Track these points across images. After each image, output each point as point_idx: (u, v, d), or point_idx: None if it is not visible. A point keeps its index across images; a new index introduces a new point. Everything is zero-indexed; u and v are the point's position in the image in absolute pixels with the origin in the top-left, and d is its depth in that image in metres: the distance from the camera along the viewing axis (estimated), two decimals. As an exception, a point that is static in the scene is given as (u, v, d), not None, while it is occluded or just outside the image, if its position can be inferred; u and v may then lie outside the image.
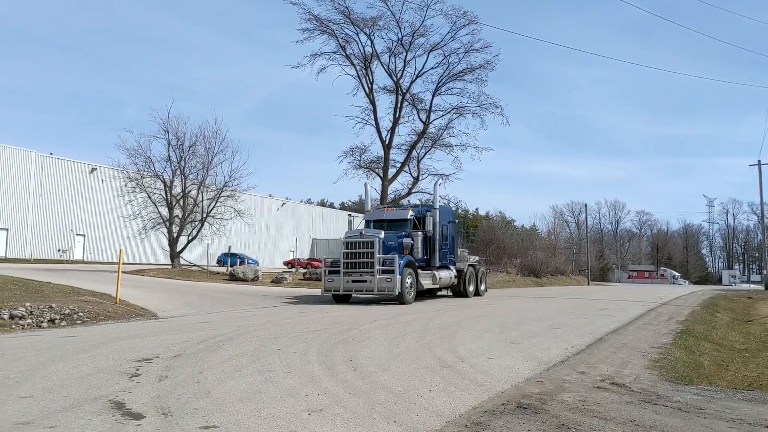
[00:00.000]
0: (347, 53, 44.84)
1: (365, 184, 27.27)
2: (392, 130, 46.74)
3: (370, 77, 45.92)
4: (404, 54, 45.56)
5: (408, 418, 6.24)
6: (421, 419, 6.23)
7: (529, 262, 69.39)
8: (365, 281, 21.54)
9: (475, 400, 7.04)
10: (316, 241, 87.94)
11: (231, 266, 40.42)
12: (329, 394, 7.22)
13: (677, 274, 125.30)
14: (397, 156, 48.23)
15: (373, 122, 46.29)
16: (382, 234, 21.98)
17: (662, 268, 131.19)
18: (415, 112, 47.70)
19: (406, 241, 22.89)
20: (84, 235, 62.45)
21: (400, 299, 21.62)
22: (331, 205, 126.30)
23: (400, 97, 46.55)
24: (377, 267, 21.43)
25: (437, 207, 25.27)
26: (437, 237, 24.67)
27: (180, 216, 40.67)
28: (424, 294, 26.83)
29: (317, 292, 29.59)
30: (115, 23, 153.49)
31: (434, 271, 24.41)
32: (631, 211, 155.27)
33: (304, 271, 42.94)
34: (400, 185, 50.09)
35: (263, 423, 5.97)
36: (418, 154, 47.97)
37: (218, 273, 39.00)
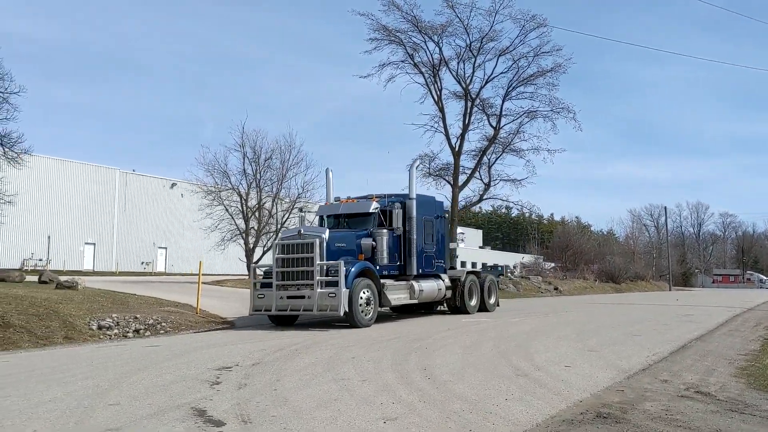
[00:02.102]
0: (415, 61, 44.87)
1: (326, 170, 20.46)
2: (462, 136, 46.44)
3: (439, 84, 45.80)
4: (473, 59, 45.25)
5: (484, 428, 6.18)
6: (497, 428, 6.15)
7: (606, 268, 67.64)
8: (303, 297, 15.67)
9: (552, 409, 6.91)
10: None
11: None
12: (404, 402, 7.22)
13: (765, 277, 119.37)
14: (467, 162, 47.85)
15: (443, 129, 46.10)
16: (326, 233, 16.11)
17: (748, 271, 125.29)
18: (485, 117, 47.21)
19: (365, 242, 17.02)
20: (166, 248, 64.73)
21: (350, 321, 15.78)
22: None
23: (469, 103, 46.23)
24: (317, 278, 15.50)
25: (414, 197, 18.53)
26: (414, 237, 18.22)
27: (255, 227, 41.60)
28: (405, 310, 20.95)
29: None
30: (194, 46, 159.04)
31: (412, 282, 18.18)
32: (714, 213, 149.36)
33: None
34: (471, 192, 49.61)
35: (340, 431, 6.03)
36: (489, 159, 47.44)
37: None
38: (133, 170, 63.19)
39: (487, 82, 46.17)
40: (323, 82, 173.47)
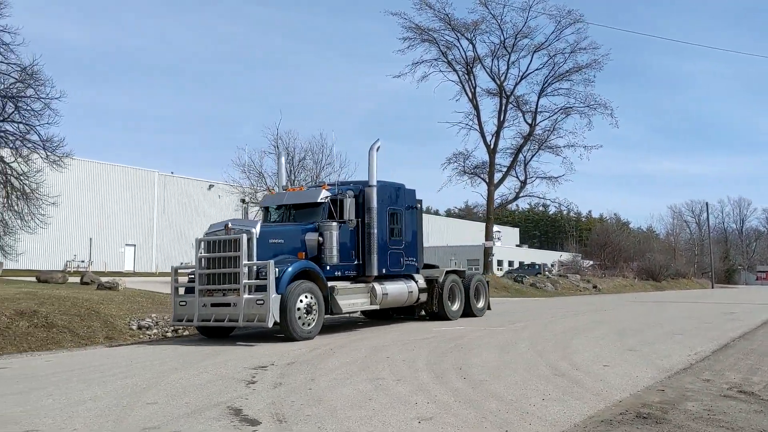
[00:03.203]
0: (449, 59, 44.86)
1: (278, 156, 16.51)
2: (497, 133, 46.25)
3: (473, 82, 45.68)
4: (507, 56, 45.07)
5: (521, 428, 6.09)
6: (534, 428, 6.06)
7: (646, 266, 66.56)
8: (228, 305, 12.94)
9: (591, 410, 6.78)
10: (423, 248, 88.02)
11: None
12: (439, 402, 7.17)
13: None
14: (502, 160, 47.63)
15: (477, 127, 45.96)
16: (257, 227, 13.32)
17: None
18: (520, 114, 46.99)
19: (310, 237, 14.18)
20: (204, 249, 65.59)
21: (284, 332, 13.02)
22: (437, 213, 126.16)
23: (504, 100, 46.02)
24: (244, 281, 12.75)
25: (374, 184, 15.34)
26: (374, 230, 15.12)
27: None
28: (378, 315, 17.91)
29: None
30: (231, 49, 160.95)
31: (373, 284, 15.26)
32: (757, 209, 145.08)
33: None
34: (507, 190, 49.35)
35: (374, 430, 6.01)
36: (525, 157, 47.17)
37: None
38: (172, 172, 64.18)
39: (522, 79, 45.93)
40: (357, 82, 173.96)
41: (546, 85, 45.67)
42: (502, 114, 46.09)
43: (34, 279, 23.61)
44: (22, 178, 28.21)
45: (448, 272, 17.97)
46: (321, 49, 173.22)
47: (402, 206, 16.68)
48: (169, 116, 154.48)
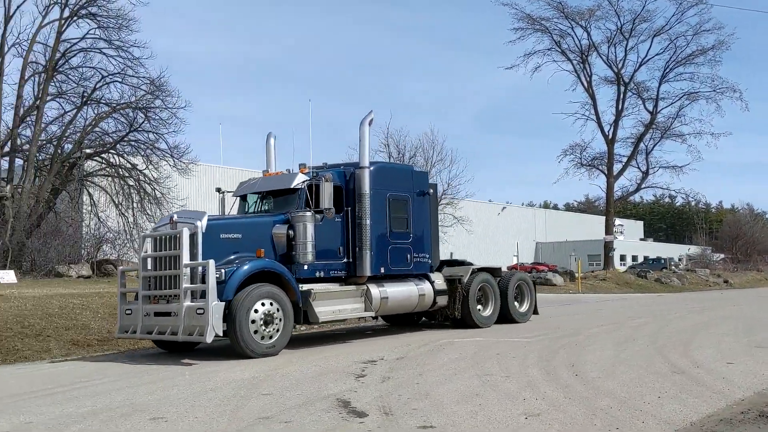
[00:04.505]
0: (562, 48, 43.76)
1: (267, 136, 14.66)
2: (615, 123, 44.61)
3: (588, 70, 44.30)
4: (625, 42, 43.38)
5: (632, 426, 5.89)
6: (647, 427, 5.85)
7: (784, 259, 61.83)
8: (169, 314, 10.74)
9: (709, 408, 6.44)
10: (540, 244, 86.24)
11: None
12: (548, 399, 7.05)
13: None
14: (622, 150, 45.92)
15: (594, 117, 44.51)
16: (204, 219, 10.93)
17: None
18: (640, 102, 45.12)
19: (278, 231, 11.74)
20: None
21: (235, 347, 10.61)
22: (555, 207, 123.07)
23: (622, 88, 44.31)
24: (184, 285, 10.49)
25: (366, 165, 12.78)
26: (367, 222, 12.55)
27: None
28: (401, 321, 15.58)
29: (546, 297, 28.88)
30: (342, 51, 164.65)
31: (367, 286, 12.67)
32: None
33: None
34: (628, 181, 47.46)
35: (479, 425, 6.00)
36: (646, 146, 45.25)
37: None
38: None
39: (641, 65, 44.13)
40: (467, 76, 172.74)
41: (667, 70, 43.58)
42: (621, 102, 44.41)
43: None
44: (153, 184, 30.19)
45: (476, 270, 14.87)
46: (429, 45, 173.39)
47: (409, 192, 13.77)
48: (286, 120, 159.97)
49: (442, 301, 14.20)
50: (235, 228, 11.62)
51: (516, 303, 15.67)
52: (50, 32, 28.81)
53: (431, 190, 14.43)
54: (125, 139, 30.24)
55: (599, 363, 9.37)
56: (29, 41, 28.26)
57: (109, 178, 31.10)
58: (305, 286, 11.62)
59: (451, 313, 14.40)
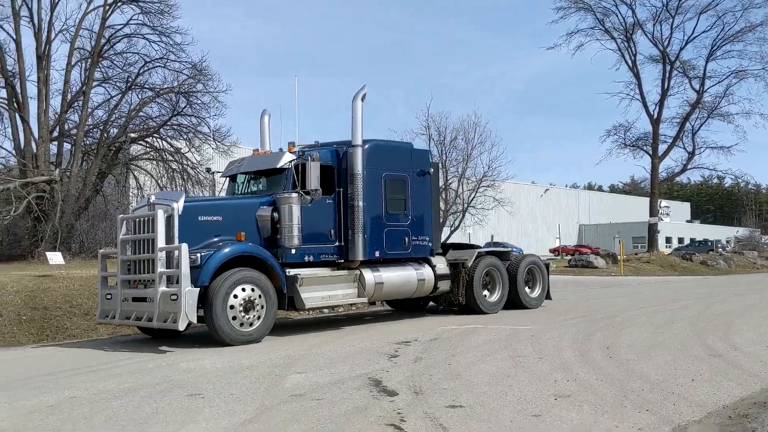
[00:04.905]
0: (606, 27, 42.78)
1: (262, 113, 13.96)
2: (660, 102, 43.56)
3: (633, 49, 43.28)
4: (670, 20, 42.21)
5: (663, 408, 5.86)
6: (678, 409, 5.81)
7: (838, 241, 59.84)
8: (146, 299, 10.33)
9: (744, 391, 6.36)
10: (583, 226, 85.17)
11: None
12: (579, 380, 7.04)
13: None
14: (667, 130, 44.87)
15: (639, 96, 43.54)
16: (181, 200, 10.43)
17: None
18: (686, 81, 43.93)
19: (262, 213, 11.20)
20: (362, 230, 67.82)
21: (212, 334, 10.19)
22: (600, 189, 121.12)
23: (668, 67, 43.21)
24: (159, 270, 10.05)
25: (359, 143, 12.07)
26: (359, 203, 11.92)
27: (443, 208, 42.31)
28: (404, 306, 14.82)
29: (588, 279, 28.66)
30: (384, 36, 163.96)
31: (360, 271, 12.06)
32: None
33: (569, 258, 41.93)
34: (673, 162, 46.41)
35: (508, 405, 6.05)
36: (693, 126, 44.12)
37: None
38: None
39: (687, 43, 42.93)
40: (508, 58, 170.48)
41: (715, 48, 42.26)
42: (666, 81, 43.29)
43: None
44: (196, 167, 30.73)
45: (481, 254, 14.16)
46: (470, 27, 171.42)
47: (408, 172, 13.07)
48: (321, 104, 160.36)
49: (444, 286, 13.55)
50: (215, 210, 11.12)
51: (527, 288, 14.92)
52: (95, 18, 29.50)
53: (431, 170, 13.65)
54: (168, 123, 30.83)
55: (635, 345, 9.29)
56: (75, 27, 28.97)
57: (154, 162, 31.79)
58: (292, 271, 11.08)
59: (455, 298, 13.73)
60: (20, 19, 28.08)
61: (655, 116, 43.57)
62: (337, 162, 12.04)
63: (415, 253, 13.08)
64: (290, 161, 11.62)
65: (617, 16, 42.66)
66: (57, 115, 29.68)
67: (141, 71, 30.28)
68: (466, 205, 42.56)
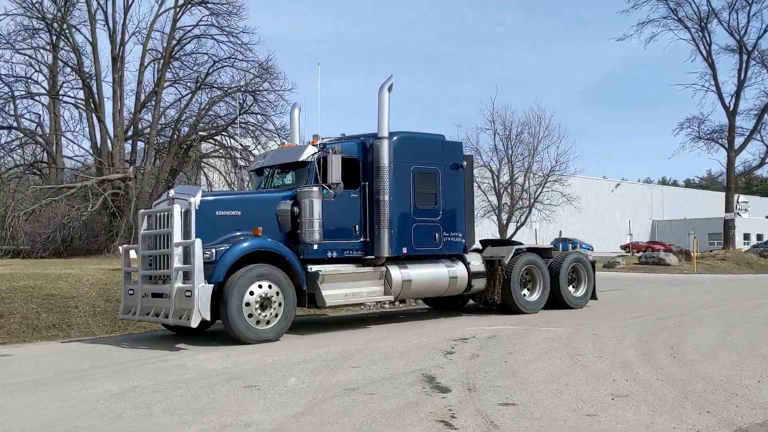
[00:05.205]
0: (679, 16, 41.35)
1: (292, 106, 14.00)
2: (737, 94, 41.83)
3: (707, 39, 41.69)
4: (747, 8, 40.43)
5: (725, 409, 5.66)
6: (740, 411, 5.60)
7: None
8: (162, 295, 10.31)
9: (814, 396, 6.07)
10: (656, 223, 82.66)
11: (561, 251, 40.34)
12: (639, 380, 6.87)
13: None
14: (744, 123, 43.05)
15: (714, 88, 41.92)
16: (197, 195, 10.32)
17: None
18: (764, 71, 42.05)
19: (282, 208, 10.91)
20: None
21: (229, 331, 10.00)
22: (674, 183, 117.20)
23: (744, 57, 41.42)
24: (176, 265, 9.92)
25: (385, 135, 11.63)
26: (385, 197, 11.45)
27: (508, 203, 41.86)
28: (442, 304, 14.32)
29: (659, 277, 27.88)
30: (451, 28, 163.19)
31: (386, 267, 11.64)
32: None
33: (639, 254, 40.74)
34: (751, 155, 44.52)
35: (562, 404, 5.95)
36: (772, 117, 42.15)
37: (549, 258, 39.23)
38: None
39: (765, 32, 41.04)
40: (577, 49, 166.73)
41: (795, 37, 40.26)
42: (743, 72, 41.50)
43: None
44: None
45: (519, 251, 13.54)
46: (538, 18, 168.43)
47: (440, 165, 12.58)
48: (396, 99, 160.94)
49: (479, 284, 12.93)
50: (234, 205, 10.90)
51: (571, 287, 14.24)
52: (166, 20, 30.46)
53: (464, 163, 13.03)
54: (236, 121, 31.55)
55: (701, 345, 8.99)
56: (147, 29, 29.98)
57: (223, 159, 32.61)
58: (314, 267, 10.73)
59: (490, 297, 13.11)
60: (96, 22, 29.31)
61: (732, 108, 41.89)
62: (362, 155, 11.64)
63: (447, 249, 12.56)
64: (312, 154, 11.27)
65: (691, 5, 41.20)
66: (131, 115, 30.82)
67: (210, 71, 31.11)
68: (532, 201, 41.99)
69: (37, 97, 30.63)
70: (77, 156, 32.80)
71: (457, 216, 12.78)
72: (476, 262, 12.97)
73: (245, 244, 10.10)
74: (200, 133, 31.96)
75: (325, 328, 11.33)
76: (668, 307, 14.30)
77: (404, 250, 11.87)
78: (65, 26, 29.30)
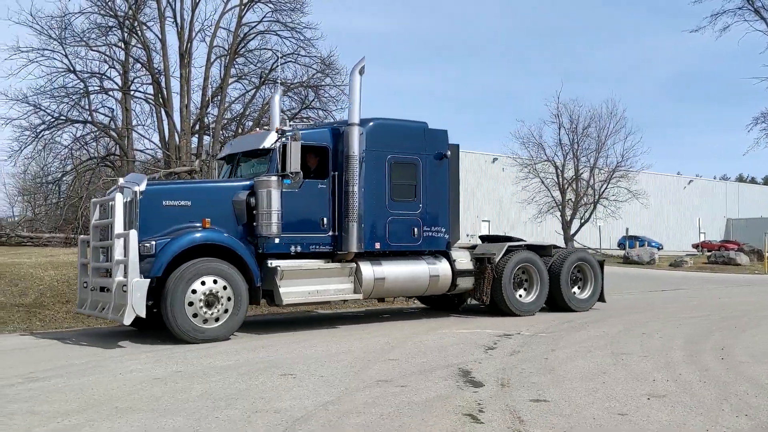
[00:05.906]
0: (755, 6, 39.55)
1: (273, 91, 11.58)
2: (817, 87, 39.77)
3: (785, 30, 39.73)
4: (829, -3, 38.34)
5: (764, 414, 5.47)
6: (781, 417, 5.40)
7: None
8: (104, 289, 9.77)
9: None
10: (731, 221, 79.49)
11: (627, 249, 39.35)
12: (680, 381, 6.70)
13: None
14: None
15: (791, 81, 39.95)
16: (142, 184, 9.58)
17: None
18: None
19: (238, 199, 10.09)
20: (489, 221, 67.18)
21: (170, 330, 9.30)
22: (753, 181, 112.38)
23: (825, 48, 39.35)
24: (116, 258, 9.21)
25: (355, 122, 10.73)
26: (353, 188, 10.53)
27: (572, 199, 41.07)
28: (439, 304, 13.55)
29: (727, 277, 26.92)
30: (513, 19, 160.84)
31: (356, 264, 10.77)
32: None
33: (709, 254, 39.33)
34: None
35: (595, 402, 5.87)
36: None
37: (612, 256, 38.30)
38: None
39: None
40: (646, 42, 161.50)
41: None
42: (826, 63, 39.42)
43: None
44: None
45: (513, 248, 12.60)
46: (610, 11, 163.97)
47: (421, 155, 11.65)
48: (460, 93, 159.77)
49: (466, 283, 12.01)
50: (182, 194, 10.05)
51: (576, 288, 13.24)
52: (231, 18, 31.14)
53: (448, 153, 12.02)
54: (298, 116, 32.03)
55: (754, 347, 8.69)
56: (213, 27, 30.76)
57: (285, 154, 33.15)
58: (274, 262, 10.04)
59: (479, 297, 12.23)
60: (165, 20, 30.23)
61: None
62: (333, 143, 10.77)
63: (427, 245, 11.68)
64: (275, 141, 10.43)
65: (769, -6, 39.35)
66: (197, 110, 31.69)
67: (273, 67, 31.67)
68: (597, 197, 41.09)
69: (110, 93, 31.86)
70: (147, 149, 33.96)
71: (440, 210, 11.91)
72: (463, 260, 12.09)
73: (189, 237, 9.44)
74: (264, 127, 32.51)
75: (365, 320, 11.41)
76: (729, 307, 13.84)
77: (377, 246, 11.08)
78: (136, 24, 30.32)
